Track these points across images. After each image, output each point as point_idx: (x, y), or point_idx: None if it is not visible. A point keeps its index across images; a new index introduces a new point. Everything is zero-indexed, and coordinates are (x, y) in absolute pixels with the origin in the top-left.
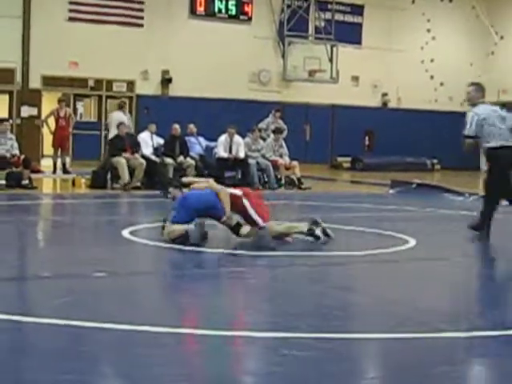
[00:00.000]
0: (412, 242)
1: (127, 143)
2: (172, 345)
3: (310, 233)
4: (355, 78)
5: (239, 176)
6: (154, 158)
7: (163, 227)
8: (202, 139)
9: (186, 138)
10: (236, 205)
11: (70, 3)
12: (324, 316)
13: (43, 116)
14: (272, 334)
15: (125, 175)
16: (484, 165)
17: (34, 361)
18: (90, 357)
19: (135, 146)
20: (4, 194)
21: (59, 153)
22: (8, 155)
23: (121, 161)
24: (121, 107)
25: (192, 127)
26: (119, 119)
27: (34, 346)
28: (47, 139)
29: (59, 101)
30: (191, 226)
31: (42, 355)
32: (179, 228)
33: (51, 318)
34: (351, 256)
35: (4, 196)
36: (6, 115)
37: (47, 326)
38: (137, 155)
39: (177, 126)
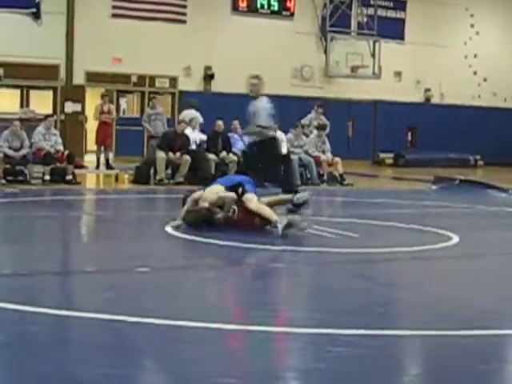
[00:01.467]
0: (455, 239)
1: (178, 141)
2: (215, 340)
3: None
4: (398, 74)
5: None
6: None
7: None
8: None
9: (229, 134)
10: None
11: (114, 0)
12: (369, 313)
13: (87, 112)
14: (316, 331)
15: (161, 171)
16: None
17: (78, 355)
18: (133, 351)
19: (185, 146)
20: (48, 189)
21: (102, 148)
22: (52, 151)
23: (160, 156)
24: (192, 106)
25: (236, 124)
26: (191, 116)
27: (78, 341)
28: (91, 135)
29: (102, 96)
30: (284, 222)
31: (85, 349)
32: (270, 213)
33: (95, 312)
34: (395, 252)
35: (48, 191)
36: (50, 111)
37: (91, 320)
38: (184, 156)
39: (220, 123)
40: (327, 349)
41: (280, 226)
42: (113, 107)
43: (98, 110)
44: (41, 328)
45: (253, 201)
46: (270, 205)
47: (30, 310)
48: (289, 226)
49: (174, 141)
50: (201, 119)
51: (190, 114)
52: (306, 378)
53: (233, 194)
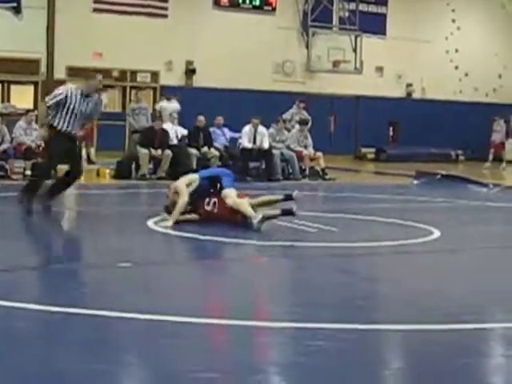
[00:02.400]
0: (436, 233)
1: (158, 137)
2: (196, 335)
3: (288, 197)
4: (379, 69)
5: (263, 167)
6: (176, 148)
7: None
8: (226, 130)
9: (211, 129)
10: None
11: None
12: (349, 307)
13: None
14: (296, 325)
15: (144, 167)
16: None
17: (60, 350)
18: (115, 347)
19: (166, 140)
20: None
21: (83, 143)
22: (33, 145)
23: (143, 152)
24: (168, 99)
25: (220, 119)
26: (174, 109)
27: (59, 336)
28: None
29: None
30: (254, 216)
31: (67, 345)
32: (247, 208)
33: (76, 307)
34: (376, 247)
35: None
36: (31, 106)
37: (72, 315)
38: (165, 151)
39: (202, 118)
40: (307, 343)
41: (255, 222)
42: (105, 102)
43: None
44: (22, 323)
45: (230, 197)
46: (258, 205)
47: (10, 305)
48: (263, 219)
49: (153, 137)
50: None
51: (172, 107)
52: (286, 372)
53: (185, 199)
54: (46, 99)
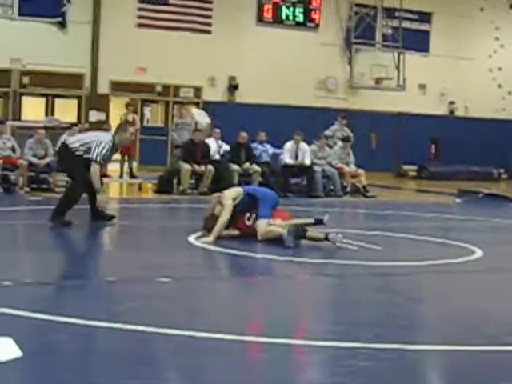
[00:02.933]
0: (479, 253)
1: (199, 150)
2: (235, 352)
3: (318, 222)
4: (422, 86)
5: (304, 183)
6: (218, 159)
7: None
8: (268, 146)
9: (253, 145)
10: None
11: (139, 10)
12: (391, 326)
13: (111, 121)
14: (337, 344)
15: (185, 182)
16: None
17: (100, 365)
18: (154, 362)
19: (207, 154)
20: None
21: (126, 158)
22: None
23: (185, 167)
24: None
25: (262, 135)
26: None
27: (99, 351)
28: None
29: (127, 105)
30: (285, 232)
31: (107, 359)
32: (276, 230)
33: (116, 322)
34: (417, 266)
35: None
36: (74, 120)
37: (112, 330)
38: (207, 166)
39: (244, 134)
40: (348, 363)
41: (289, 238)
42: (137, 117)
43: (122, 120)
44: (64, 337)
45: (260, 229)
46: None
47: (53, 319)
48: (294, 232)
49: (194, 151)
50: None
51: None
52: None
53: (227, 215)
54: (96, 158)
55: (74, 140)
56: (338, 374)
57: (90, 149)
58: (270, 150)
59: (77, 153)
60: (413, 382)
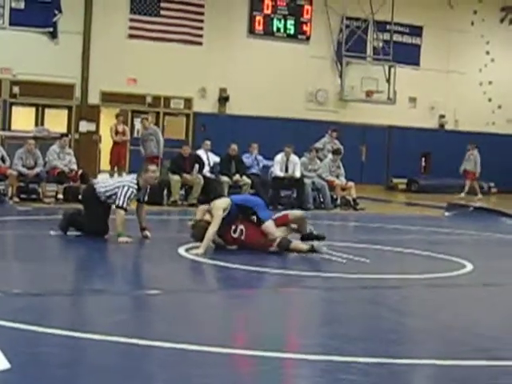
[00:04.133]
0: (469, 267)
1: (188, 163)
2: (225, 365)
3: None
4: (412, 100)
5: (294, 195)
6: (209, 175)
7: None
8: (260, 157)
9: (245, 156)
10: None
11: (131, 20)
12: (380, 340)
13: (101, 132)
14: (327, 357)
15: (176, 193)
16: None
17: (88, 377)
18: (143, 375)
19: (199, 165)
20: (61, 207)
21: (116, 169)
22: (66, 170)
23: (175, 178)
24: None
25: (255, 147)
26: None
27: (88, 363)
28: (105, 154)
29: (117, 116)
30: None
31: (95, 372)
32: (303, 247)
33: (105, 334)
34: (407, 279)
35: (61, 210)
36: (64, 130)
37: (101, 342)
38: (197, 175)
39: (234, 147)
40: (339, 376)
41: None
42: (127, 128)
43: (113, 131)
44: (52, 349)
45: (271, 228)
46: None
47: (41, 330)
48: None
49: (183, 163)
50: None
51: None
52: None
53: (215, 228)
54: (122, 205)
55: (102, 185)
56: None
57: (114, 195)
58: (262, 162)
59: (101, 198)
60: None
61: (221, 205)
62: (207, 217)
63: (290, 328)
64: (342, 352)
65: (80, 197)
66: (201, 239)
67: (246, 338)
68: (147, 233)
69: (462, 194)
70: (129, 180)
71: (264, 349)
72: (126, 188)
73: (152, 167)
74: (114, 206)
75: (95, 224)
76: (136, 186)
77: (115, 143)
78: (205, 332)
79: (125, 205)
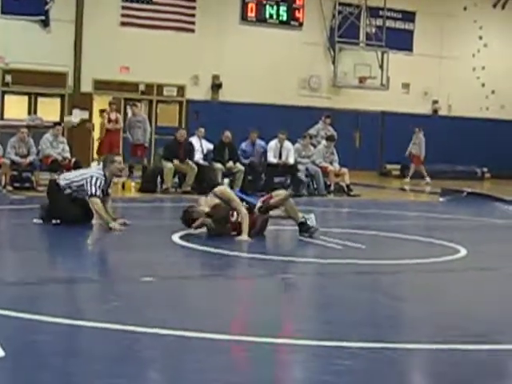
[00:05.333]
0: (463, 252)
1: (182, 149)
2: (220, 351)
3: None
4: (406, 85)
5: (288, 182)
6: (202, 162)
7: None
8: (263, 143)
9: (243, 145)
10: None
11: (123, 8)
12: (375, 325)
13: (94, 120)
14: (322, 343)
15: (168, 180)
16: None
17: (83, 365)
18: (139, 362)
19: (189, 153)
20: None
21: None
22: (60, 158)
23: (168, 165)
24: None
25: (255, 135)
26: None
27: (83, 350)
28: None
29: (110, 104)
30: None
31: (91, 359)
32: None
33: (101, 322)
34: (402, 264)
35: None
36: (57, 119)
37: (97, 330)
38: (189, 162)
39: (228, 134)
40: (334, 361)
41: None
42: (120, 116)
43: (106, 118)
44: (46, 337)
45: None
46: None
47: (35, 318)
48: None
49: (177, 150)
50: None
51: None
52: None
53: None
54: (94, 193)
55: (64, 178)
56: (324, 372)
57: (81, 187)
58: (261, 149)
59: (66, 191)
60: (398, 380)
61: (231, 193)
62: (202, 207)
63: (284, 314)
64: (336, 337)
65: (46, 193)
66: (189, 225)
67: (240, 323)
68: (122, 221)
69: (407, 179)
70: (94, 170)
71: (258, 334)
72: (94, 178)
73: (118, 158)
74: (87, 198)
75: (72, 213)
76: (103, 177)
77: (108, 131)
78: (199, 318)
79: (98, 193)
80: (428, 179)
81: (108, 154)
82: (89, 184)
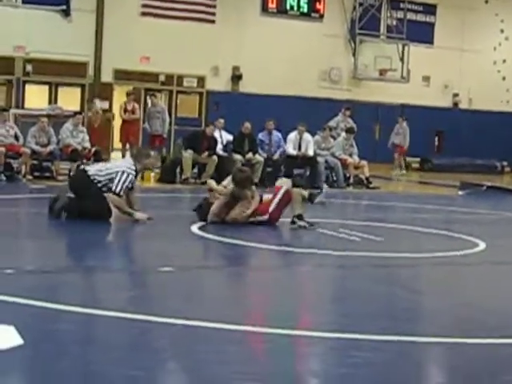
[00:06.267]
0: (482, 245)
1: (205, 143)
2: (237, 342)
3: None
4: (426, 78)
5: (307, 174)
6: (222, 153)
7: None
8: (279, 135)
9: (260, 135)
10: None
11: None
12: (392, 317)
13: (114, 110)
14: (339, 335)
15: (187, 170)
16: None
17: (100, 353)
18: (156, 352)
19: (212, 147)
20: None
21: (127, 146)
22: (79, 148)
23: (186, 155)
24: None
25: (271, 124)
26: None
27: (101, 339)
28: (118, 132)
29: (128, 94)
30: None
31: (107, 348)
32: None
33: (119, 311)
34: (420, 258)
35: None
36: (78, 108)
37: (115, 319)
38: (212, 156)
39: (248, 125)
40: (350, 354)
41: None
42: (137, 106)
43: (122, 109)
44: (64, 326)
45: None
46: None
47: (53, 307)
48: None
49: (201, 142)
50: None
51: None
52: (327, 383)
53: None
54: (116, 190)
55: (95, 169)
56: (341, 365)
57: (110, 180)
58: (279, 141)
59: (96, 181)
60: (415, 373)
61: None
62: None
63: (301, 305)
64: (353, 329)
65: (69, 184)
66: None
67: (257, 315)
68: (147, 215)
69: (397, 171)
70: (127, 166)
71: (275, 326)
72: (125, 175)
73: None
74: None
75: (96, 207)
76: (134, 173)
77: (125, 121)
78: (216, 309)
79: (122, 193)
80: (404, 171)
81: (127, 143)
82: (117, 179)
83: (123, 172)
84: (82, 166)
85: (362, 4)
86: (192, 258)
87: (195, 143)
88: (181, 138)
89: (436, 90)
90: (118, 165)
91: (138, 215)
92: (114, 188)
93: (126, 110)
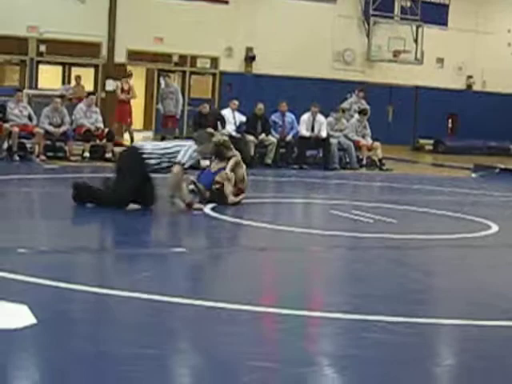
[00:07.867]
0: (494, 228)
1: (210, 120)
2: (250, 323)
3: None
4: (440, 60)
5: (320, 155)
6: (235, 134)
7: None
8: (293, 116)
9: (273, 117)
10: None
11: None
12: (405, 299)
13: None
14: (351, 316)
15: None
16: None
17: (112, 333)
18: (168, 332)
19: (219, 123)
20: (87, 165)
21: (124, 127)
22: (93, 128)
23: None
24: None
25: (284, 105)
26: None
27: (112, 319)
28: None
29: (128, 75)
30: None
31: (120, 328)
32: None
33: (131, 291)
34: (433, 239)
35: (88, 168)
36: (91, 88)
37: (126, 299)
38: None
39: (261, 106)
40: (362, 335)
41: None
42: (132, 85)
43: (119, 88)
44: (77, 306)
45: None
46: None
47: (67, 287)
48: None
49: (204, 121)
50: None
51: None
52: (339, 363)
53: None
54: (183, 160)
55: (152, 146)
56: (351, 346)
57: (172, 153)
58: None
59: (153, 157)
60: (425, 354)
61: None
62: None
63: (314, 286)
64: (366, 311)
65: (115, 160)
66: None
67: (270, 296)
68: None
69: None
70: (190, 144)
71: (288, 307)
72: (191, 150)
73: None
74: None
75: (122, 192)
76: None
77: (120, 101)
78: (230, 290)
79: (187, 163)
80: None
81: (120, 122)
82: (183, 151)
83: (190, 147)
84: (137, 144)
85: None
86: (205, 239)
87: (199, 122)
88: (192, 118)
89: (450, 72)
90: (182, 143)
91: (190, 199)
92: (180, 158)
93: (122, 90)
